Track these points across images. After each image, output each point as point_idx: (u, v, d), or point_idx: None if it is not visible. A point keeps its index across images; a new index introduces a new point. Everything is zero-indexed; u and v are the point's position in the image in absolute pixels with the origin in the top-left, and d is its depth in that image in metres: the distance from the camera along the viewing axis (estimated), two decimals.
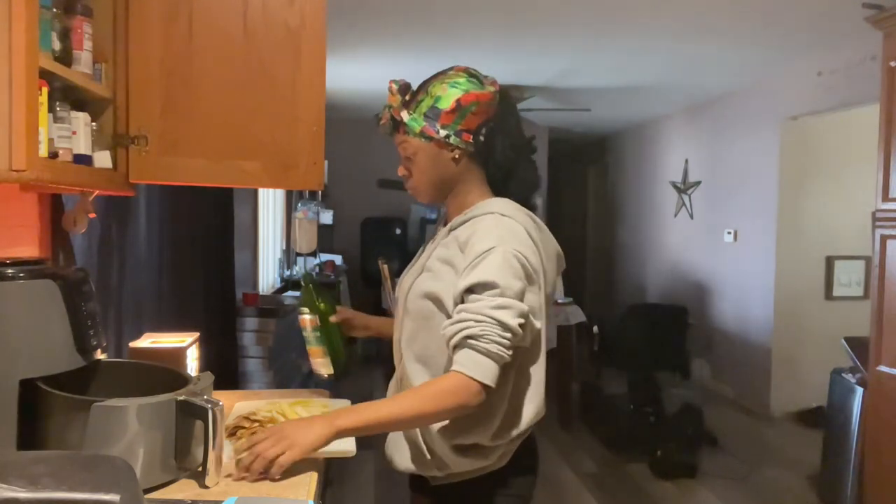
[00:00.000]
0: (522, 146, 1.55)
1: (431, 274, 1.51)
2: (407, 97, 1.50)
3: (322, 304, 1.82)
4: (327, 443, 1.35)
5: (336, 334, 1.85)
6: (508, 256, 1.39)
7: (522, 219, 1.48)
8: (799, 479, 4.10)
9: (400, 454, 1.57)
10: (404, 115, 1.49)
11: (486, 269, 1.37)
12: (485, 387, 1.34)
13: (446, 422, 1.45)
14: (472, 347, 1.34)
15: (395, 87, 1.50)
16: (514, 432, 1.48)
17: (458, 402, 1.34)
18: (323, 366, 1.87)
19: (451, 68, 1.52)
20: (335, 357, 1.83)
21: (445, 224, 1.58)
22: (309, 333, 1.85)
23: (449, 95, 1.46)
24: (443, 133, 1.47)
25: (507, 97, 1.54)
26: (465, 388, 1.33)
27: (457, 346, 1.36)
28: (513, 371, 1.45)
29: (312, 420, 1.41)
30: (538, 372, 1.51)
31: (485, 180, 1.54)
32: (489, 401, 1.39)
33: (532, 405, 1.50)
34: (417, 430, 1.51)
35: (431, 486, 1.56)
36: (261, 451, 1.34)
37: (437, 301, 1.47)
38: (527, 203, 1.55)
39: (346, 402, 1.81)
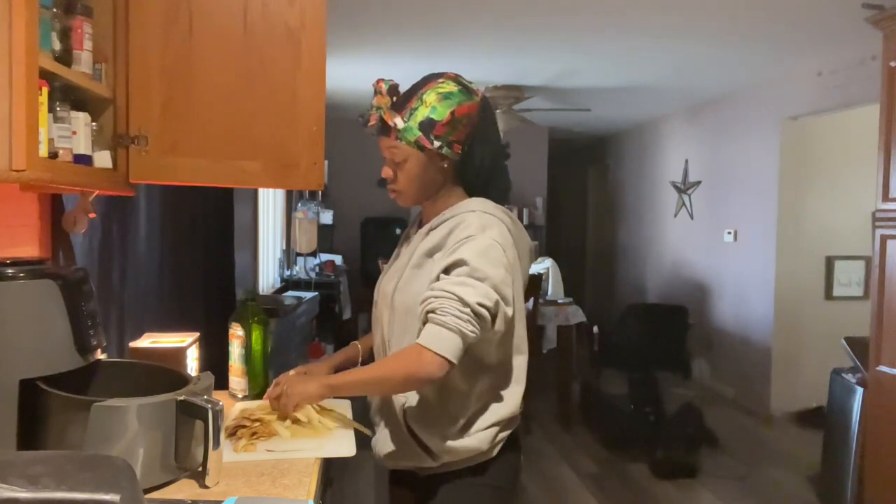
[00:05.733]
0: (500, 153, 1.61)
1: (415, 272, 1.54)
2: (395, 98, 1.52)
3: (254, 325, 1.85)
4: (321, 397, 1.54)
5: (259, 363, 1.88)
6: (487, 243, 1.45)
7: (501, 215, 1.55)
8: (799, 479, 4.10)
9: (390, 450, 1.60)
10: (398, 122, 1.50)
11: (462, 251, 1.44)
12: (445, 359, 1.38)
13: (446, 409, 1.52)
14: (431, 321, 1.41)
15: (384, 87, 1.52)
16: (496, 418, 1.54)
17: (415, 369, 1.40)
18: (238, 385, 1.90)
19: (440, 75, 1.54)
20: (254, 382, 1.88)
21: (420, 226, 1.62)
22: (235, 349, 1.88)
23: (444, 107, 1.49)
24: (437, 144, 1.50)
25: (488, 104, 1.57)
26: (418, 357, 1.39)
27: (424, 323, 1.43)
28: (493, 354, 1.51)
29: (309, 378, 1.58)
30: (519, 360, 1.57)
31: (461, 184, 1.58)
32: (468, 382, 1.50)
33: (513, 394, 1.56)
34: (403, 426, 1.54)
35: (418, 479, 1.60)
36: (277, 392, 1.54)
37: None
38: (501, 204, 1.61)
39: (346, 403, 1.81)
